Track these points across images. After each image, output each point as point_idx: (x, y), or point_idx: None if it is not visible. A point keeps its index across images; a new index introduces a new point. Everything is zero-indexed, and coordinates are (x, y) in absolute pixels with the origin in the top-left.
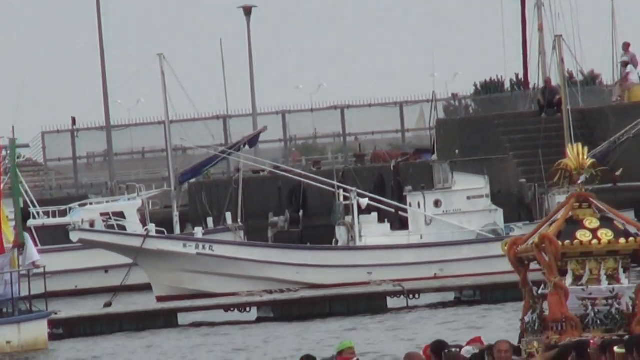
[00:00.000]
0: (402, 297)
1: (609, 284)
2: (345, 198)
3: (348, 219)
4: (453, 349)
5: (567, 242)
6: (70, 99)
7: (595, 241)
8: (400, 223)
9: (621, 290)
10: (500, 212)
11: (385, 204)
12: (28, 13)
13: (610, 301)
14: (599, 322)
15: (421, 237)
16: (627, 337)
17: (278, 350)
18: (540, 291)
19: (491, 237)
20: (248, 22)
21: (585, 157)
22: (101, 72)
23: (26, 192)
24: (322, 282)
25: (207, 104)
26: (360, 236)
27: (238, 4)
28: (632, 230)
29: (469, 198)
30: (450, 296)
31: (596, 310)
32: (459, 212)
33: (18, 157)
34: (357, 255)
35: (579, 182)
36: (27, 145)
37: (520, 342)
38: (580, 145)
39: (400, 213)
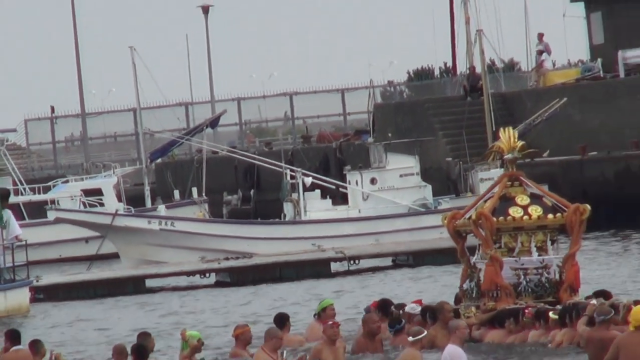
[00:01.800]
0: (344, 262)
1: (538, 255)
2: (292, 177)
3: (294, 195)
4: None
5: (501, 218)
6: (49, 89)
7: (526, 217)
8: (341, 198)
9: (550, 261)
10: (429, 187)
11: (327, 182)
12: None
13: (540, 271)
14: (530, 290)
15: (359, 211)
16: (560, 306)
17: (235, 311)
18: (474, 260)
19: (421, 210)
20: (206, 20)
21: (516, 140)
22: (76, 65)
23: (15, 172)
24: (272, 252)
25: (172, 92)
26: (305, 211)
27: (197, 3)
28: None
29: (401, 176)
30: (387, 261)
31: (528, 279)
32: (392, 188)
33: (4, 142)
34: (303, 228)
35: (509, 160)
36: (14, 130)
37: (457, 306)
38: (511, 129)
39: (341, 189)
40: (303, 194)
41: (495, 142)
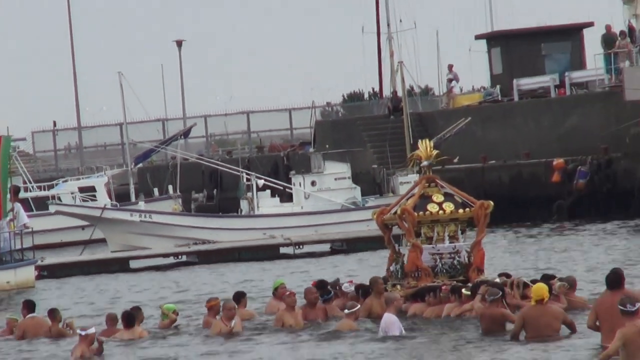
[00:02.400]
0: (290, 247)
1: (451, 242)
2: (247, 180)
3: (249, 194)
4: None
5: (421, 213)
6: (52, 107)
7: (441, 212)
8: (287, 197)
9: (460, 247)
10: (358, 189)
11: (276, 184)
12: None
13: (452, 255)
14: (445, 270)
15: (302, 207)
16: (471, 283)
17: (201, 287)
18: (399, 247)
19: (352, 207)
20: (179, 51)
21: (432, 150)
22: (74, 87)
23: (25, 174)
24: (231, 240)
25: (152, 109)
26: (258, 207)
27: (173, 38)
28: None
29: (335, 179)
30: (325, 247)
31: (443, 262)
32: (328, 189)
33: (16, 148)
34: (256, 220)
35: (425, 166)
36: (24, 139)
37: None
38: (427, 140)
39: (287, 190)
40: (256, 193)
41: (414, 152)
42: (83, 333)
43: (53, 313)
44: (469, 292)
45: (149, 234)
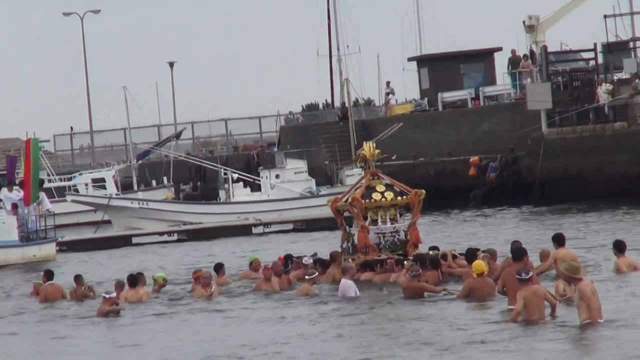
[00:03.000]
0: (261, 227)
1: (391, 224)
2: (225, 174)
3: (226, 186)
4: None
5: (367, 200)
6: (70, 115)
7: (383, 199)
8: (256, 187)
9: (399, 227)
10: (313, 181)
11: (248, 177)
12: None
13: (393, 234)
14: (387, 246)
15: (268, 196)
16: (410, 256)
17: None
18: (350, 229)
19: (308, 195)
20: (172, 70)
21: (375, 149)
22: (87, 98)
23: (49, 168)
24: (212, 222)
25: (149, 117)
26: (233, 196)
27: (166, 60)
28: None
29: (295, 173)
30: (289, 226)
31: (385, 240)
32: (289, 181)
33: (42, 148)
34: (231, 206)
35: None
36: (48, 140)
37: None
38: (371, 142)
39: (257, 182)
40: (232, 184)
41: (360, 151)
42: (107, 296)
43: (78, 278)
44: (411, 263)
45: (146, 217)
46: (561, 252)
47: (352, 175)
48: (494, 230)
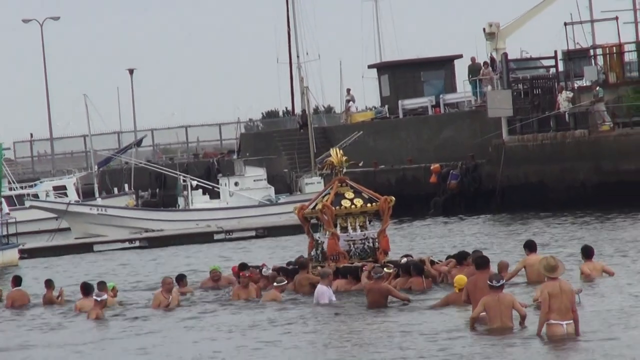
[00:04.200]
0: (222, 234)
1: (361, 231)
2: (184, 181)
3: (185, 193)
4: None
5: (337, 207)
6: (29, 122)
7: (353, 206)
8: (215, 195)
9: (369, 234)
10: (272, 188)
11: (206, 184)
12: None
13: (363, 241)
14: (357, 254)
15: (227, 203)
16: (380, 264)
17: (154, 267)
18: (319, 237)
19: (267, 203)
20: (131, 77)
21: (342, 156)
22: (47, 106)
23: (9, 175)
24: (171, 229)
25: (109, 123)
26: (192, 203)
27: (126, 67)
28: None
29: (254, 180)
30: (251, 233)
31: (355, 247)
32: (248, 189)
33: (2, 155)
34: (190, 214)
35: (339, 171)
36: (8, 148)
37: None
38: (339, 149)
39: (216, 189)
40: (190, 192)
41: (325, 157)
42: (98, 299)
43: (49, 283)
44: (390, 270)
45: (105, 224)
46: (532, 258)
47: (312, 184)
48: (458, 238)
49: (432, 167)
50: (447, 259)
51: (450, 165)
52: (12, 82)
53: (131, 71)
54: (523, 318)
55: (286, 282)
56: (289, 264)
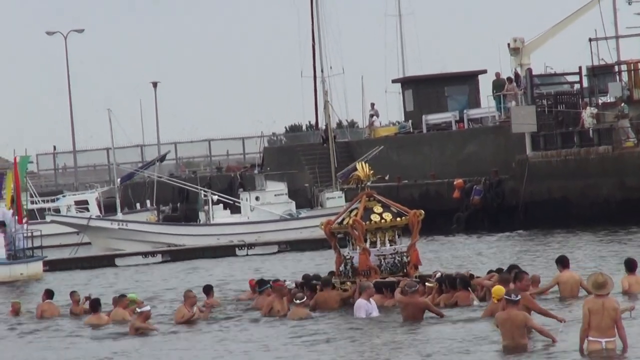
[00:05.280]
0: (244, 248)
1: (390, 245)
2: (205, 195)
3: (206, 207)
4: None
5: (367, 222)
6: (53, 134)
7: (383, 220)
8: (237, 210)
9: (399, 249)
10: (293, 203)
11: (227, 199)
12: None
13: (393, 255)
14: (388, 269)
15: (248, 218)
16: (444, 275)
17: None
18: (347, 253)
19: (288, 217)
20: (155, 91)
21: (369, 171)
22: (70, 119)
23: (32, 188)
24: (191, 244)
25: (133, 137)
26: (213, 217)
27: (150, 80)
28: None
29: (275, 195)
30: (274, 248)
31: (386, 262)
32: (269, 203)
33: (27, 169)
34: (211, 228)
35: (367, 185)
36: (31, 162)
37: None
38: (365, 163)
39: (237, 204)
40: (211, 206)
41: (353, 172)
42: (139, 310)
43: (74, 293)
44: (433, 284)
45: (126, 238)
46: (565, 274)
47: (333, 198)
48: (483, 254)
49: (455, 183)
50: (488, 273)
51: (474, 181)
52: (35, 94)
53: (155, 84)
54: (543, 334)
55: (305, 298)
56: (305, 278)
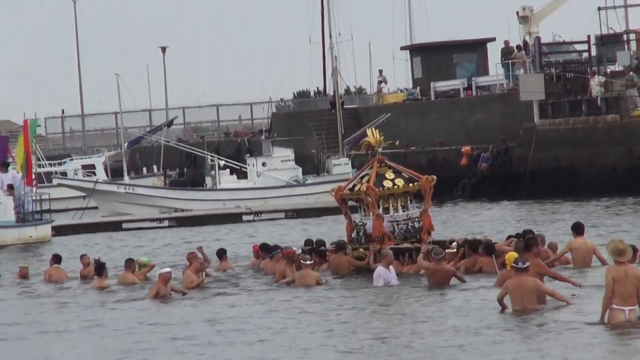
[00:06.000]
0: (251, 215)
1: (403, 211)
2: (212, 160)
3: (212, 172)
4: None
5: (380, 188)
6: (61, 98)
7: (395, 187)
8: (244, 175)
9: (412, 214)
10: (300, 169)
11: (234, 164)
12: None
13: (406, 221)
14: (401, 235)
15: (254, 183)
16: (424, 243)
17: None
18: (359, 219)
19: (294, 184)
20: (164, 55)
21: (380, 137)
22: (78, 83)
23: (39, 152)
24: (198, 209)
25: (140, 102)
26: (219, 183)
27: (158, 45)
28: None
29: (282, 161)
30: (281, 215)
31: (399, 228)
32: (276, 169)
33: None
34: (217, 193)
35: (378, 151)
36: (39, 125)
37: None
38: (376, 129)
39: (244, 169)
40: (218, 171)
41: (364, 138)
42: (160, 272)
43: (84, 256)
44: (453, 250)
45: (132, 202)
46: (578, 241)
47: (339, 165)
48: (487, 220)
49: (462, 150)
50: (507, 238)
51: (481, 148)
52: (44, 58)
53: (163, 49)
54: (556, 297)
55: (312, 261)
56: (307, 243)
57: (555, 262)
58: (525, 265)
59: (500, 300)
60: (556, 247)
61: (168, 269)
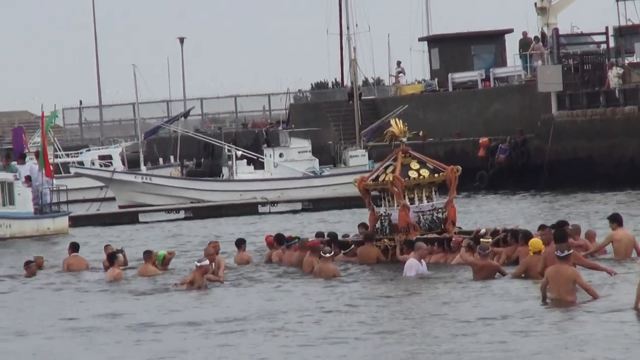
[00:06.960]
0: (267, 206)
1: (428, 202)
2: (229, 151)
3: (229, 163)
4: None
5: (405, 179)
6: (80, 89)
7: (421, 177)
8: (260, 166)
9: (437, 205)
10: (317, 160)
11: (251, 154)
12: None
13: (431, 212)
14: (426, 225)
15: (271, 174)
16: (448, 234)
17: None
18: (383, 210)
19: (311, 175)
20: (182, 46)
21: (405, 127)
22: (96, 75)
23: (56, 143)
24: (214, 199)
25: (158, 93)
26: (236, 173)
27: (176, 36)
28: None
29: (299, 152)
30: (297, 206)
31: (425, 218)
32: (293, 160)
33: (52, 122)
34: (234, 184)
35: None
36: (57, 116)
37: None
38: (400, 120)
39: (260, 160)
40: (235, 162)
41: (388, 129)
42: (198, 264)
43: (107, 246)
44: (487, 240)
45: (149, 192)
46: (619, 232)
47: (356, 156)
48: (507, 211)
49: (480, 141)
50: (539, 229)
51: (499, 139)
52: (62, 49)
53: (182, 40)
54: (589, 292)
55: (332, 252)
56: (317, 235)
57: (595, 253)
58: (565, 254)
59: (543, 289)
60: (594, 236)
61: (207, 261)
